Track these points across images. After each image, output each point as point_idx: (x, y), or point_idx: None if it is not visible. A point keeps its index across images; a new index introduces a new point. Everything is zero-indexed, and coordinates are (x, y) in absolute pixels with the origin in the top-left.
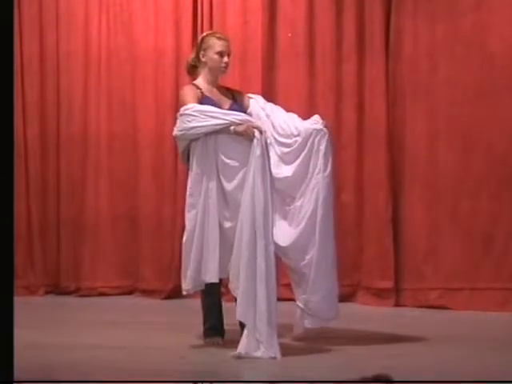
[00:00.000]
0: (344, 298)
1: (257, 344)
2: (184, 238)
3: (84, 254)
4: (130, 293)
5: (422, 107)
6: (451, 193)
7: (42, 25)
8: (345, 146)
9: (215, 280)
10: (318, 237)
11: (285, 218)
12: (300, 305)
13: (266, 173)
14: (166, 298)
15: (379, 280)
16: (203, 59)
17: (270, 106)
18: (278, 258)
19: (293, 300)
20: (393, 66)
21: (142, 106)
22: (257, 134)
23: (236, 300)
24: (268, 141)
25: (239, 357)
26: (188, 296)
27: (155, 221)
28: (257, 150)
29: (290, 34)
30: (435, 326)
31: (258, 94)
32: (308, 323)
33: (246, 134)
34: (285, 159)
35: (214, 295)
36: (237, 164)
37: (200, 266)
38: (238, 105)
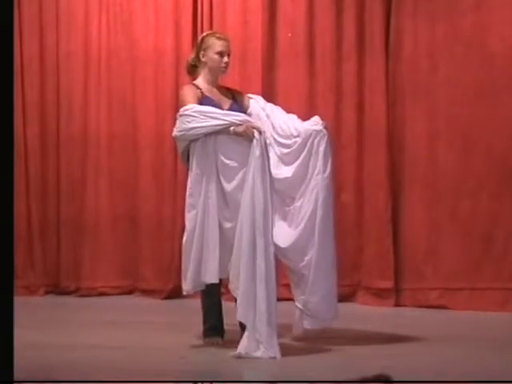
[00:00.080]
0: (344, 297)
1: (257, 344)
2: (184, 239)
3: (84, 253)
4: (130, 293)
5: (421, 107)
6: (451, 193)
7: (42, 25)
8: (345, 146)
9: (215, 280)
10: (317, 238)
11: (284, 218)
12: (299, 305)
13: (266, 173)
14: (165, 298)
15: (379, 280)
16: (203, 59)
17: (270, 106)
18: (277, 259)
19: (292, 300)
20: (393, 66)
21: (142, 105)
22: (256, 134)
23: (236, 300)
24: (268, 141)
25: (239, 357)
26: (188, 296)
27: (155, 221)
28: (256, 151)
29: (289, 34)
30: (435, 326)
31: (258, 94)
32: (307, 324)
33: (245, 135)
34: (284, 160)
35: (213, 295)
36: (236, 164)
37: (200, 266)
38: (238, 105)
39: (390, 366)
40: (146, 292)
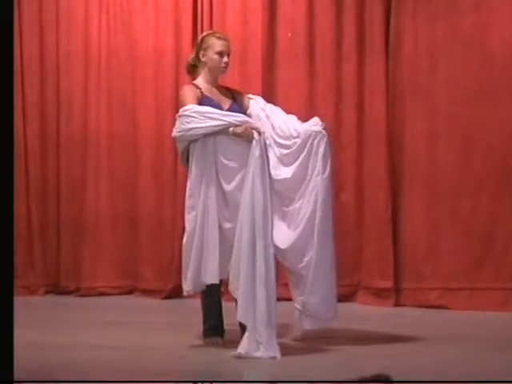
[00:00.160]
0: (344, 297)
1: (257, 345)
2: (184, 240)
3: (84, 253)
4: (130, 293)
5: (421, 107)
6: (451, 193)
7: (42, 25)
8: (345, 146)
9: (215, 281)
10: (316, 239)
11: (283, 219)
12: (298, 306)
13: (265, 174)
14: (165, 298)
15: (379, 280)
16: (203, 59)
17: (269, 107)
18: (276, 259)
19: (292, 300)
20: (393, 66)
21: (141, 105)
22: (255, 135)
23: (236, 301)
24: (267, 142)
25: (239, 357)
26: (188, 296)
27: (155, 221)
28: (256, 151)
29: (289, 34)
30: (435, 326)
31: (258, 94)
32: (307, 324)
33: (244, 136)
34: (284, 161)
35: (213, 295)
36: (236, 165)
37: (200, 267)
38: (238, 105)
39: (390, 366)
40: (146, 292)
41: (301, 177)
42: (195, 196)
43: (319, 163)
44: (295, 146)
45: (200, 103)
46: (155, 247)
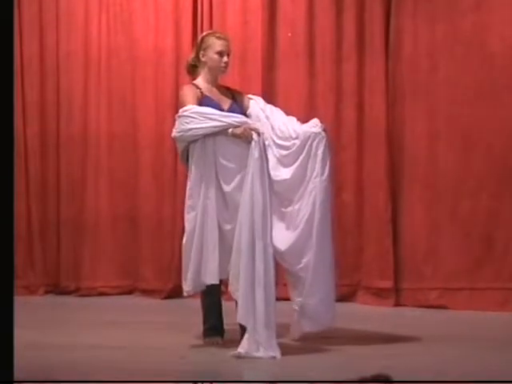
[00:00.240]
0: (344, 297)
1: (257, 345)
2: (184, 240)
3: (84, 253)
4: (130, 293)
5: (421, 107)
6: (451, 193)
7: (42, 25)
8: (345, 146)
9: (215, 281)
10: (315, 240)
11: (282, 220)
12: (296, 307)
13: (265, 175)
14: (165, 298)
15: (379, 280)
16: (203, 59)
17: (269, 107)
18: (276, 260)
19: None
20: (393, 66)
21: (141, 105)
22: (255, 136)
23: (236, 301)
24: (266, 142)
25: (239, 356)
26: (188, 296)
27: (155, 221)
28: (255, 152)
29: (289, 34)
30: (435, 326)
31: (258, 93)
32: (306, 327)
33: (243, 137)
34: (283, 162)
35: (213, 295)
36: (235, 166)
37: (200, 267)
38: (238, 105)
39: (390, 365)
40: (146, 292)
41: (300, 178)
42: (195, 196)
43: (318, 165)
44: (294, 147)
45: (200, 103)
46: (155, 247)
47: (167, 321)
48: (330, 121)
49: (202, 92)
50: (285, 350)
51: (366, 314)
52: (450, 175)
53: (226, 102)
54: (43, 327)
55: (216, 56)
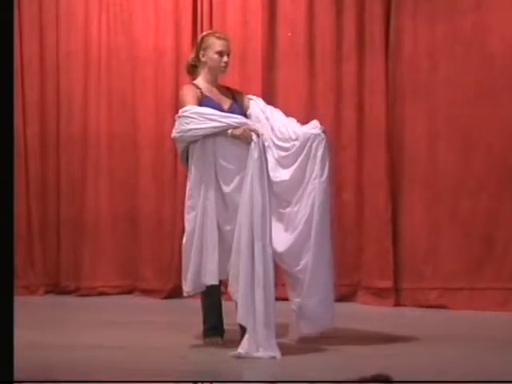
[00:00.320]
0: (344, 297)
1: (257, 346)
2: (183, 240)
3: (84, 253)
4: (130, 292)
5: (421, 107)
6: (451, 193)
7: (42, 25)
8: (345, 146)
9: (215, 282)
10: (313, 242)
11: (281, 221)
12: (294, 308)
13: (264, 175)
14: (165, 298)
15: (379, 280)
16: (203, 59)
17: (269, 108)
18: (275, 260)
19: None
20: (393, 66)
21: (141, 105)
22: (254, 137)
23: (236, 302)
24: (266, 143)
25: (239, 357)
26: (188, 296)
27: (155, 221)
28: (254, 153)
29: (289, 34)
30: (435, 326)
31: (258, 93)
32: (305, 329)
33: (243, 138)
34: (282, 163)
35: (213, 295)
36: (234, 167)
37: (200, 268)
38: (238, 105)
39: (390, 365)
40: (146, 292)
41: (299, 179)
42: (195, 197)
43: (317, 166)
44: (294, 149)
45: (200, 103)
46: (155, 247)
47: (167, 321)
48: (329, 121)
49: (202, 92)
50: (285, 350)
51: (365, 313)
52: (449, 175)
53: (226, 102)
54: (43, 327)
55: (216, 56)
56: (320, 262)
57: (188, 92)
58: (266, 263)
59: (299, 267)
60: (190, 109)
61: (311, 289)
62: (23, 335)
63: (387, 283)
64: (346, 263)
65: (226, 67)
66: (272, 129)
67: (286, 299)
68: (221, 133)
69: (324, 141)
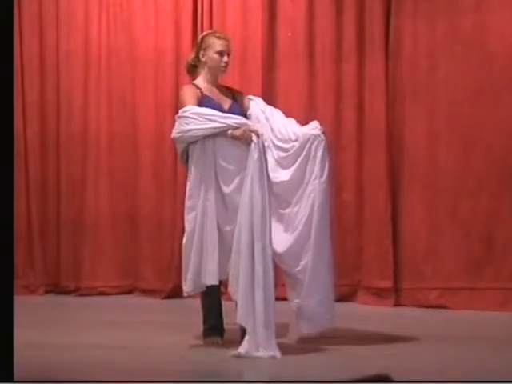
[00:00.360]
0: (344, 297)
1: (257, 346)
2: (183, 240)
3: (84, 253)
4: (130, 292)
5: (421, 107)
6: (451, 193)
7: (42, 25)
8: (345, 146)
9: (215, 282)
10: (313, 243)
11: (280, 221)
12: (294, 308)
13: (264, 176)
14: (165, 298)
15: (379, 280)
16: (203, 59)
17: (269, 109)
18: (274, 261)
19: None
20: (393, 66)
21: (141, 105)
22: (254, 137)
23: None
24: (266, 144)
25: (239, 356)
26: (188, 296)
27: (155, 220)
28: (254, 154)
29: (289, 34)
30: (435, 326)
31: (258, 93)
32: (305, 329)
33: (243, 138)
34: (282, 163)
35: (213, 296)
36: (234, 167)
37: (200, 268)
38: (238, 105)
39: (390, 365)
40: (146, 292)
41: (298, 180)
42: (195, 197)
43: (317, 167)
44: (293, 149)
45: (200, 103)
46: (155, 247)
47: (167, 321)
48: (329, 121)
49: (202, 92)
50: (285, 350)
51: (365, 313)
52: (449, 175)
53: (227, 102)
54: (43, 327)
55: (216, 56)
56: (320, 262)
57: (188, 92)
58: (266, 264)
59: (299, 268)
60: (190, 109)
61: (311, 289)
62: (23, 335)
63: (387, 283)
64: (346, 263)
65: (226, 67)
66: (272, 129)
67: (286, 299)
68: (221, 133)
69: (324, 142)
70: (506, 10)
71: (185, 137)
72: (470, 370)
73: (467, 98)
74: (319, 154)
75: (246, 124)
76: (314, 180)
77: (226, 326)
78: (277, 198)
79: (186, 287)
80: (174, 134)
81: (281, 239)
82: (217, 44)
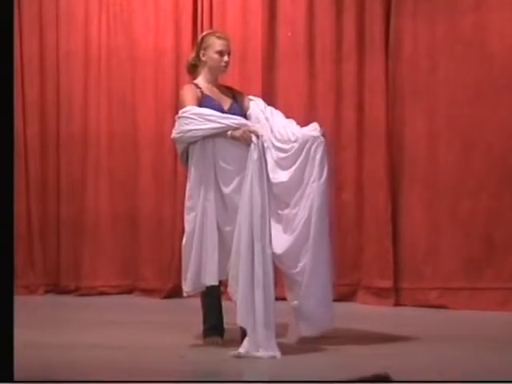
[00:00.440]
0: (344, 297)
1: (257, 347)
2: (183, 241)
3: (84, 253)
4: (130, 292)
5: (421, 107)
6: (451, 193)
7: (42, 24)
8: (345, 146)
9: (215, 282)
10: (311, 244)
11: (279, 222)
12: (293, 304)
13: (263, 177)
14: (165, 298)
15: (379, 279)
16: (203, 58)
17: (269, 109)
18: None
19: None
20: (393, 66)
21: (141, 105)
22: (254, 138)
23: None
24: (265, 144)
25: (239, 356)
26: (188, 295)
27: (155, 220)
28: (254, 155)
29: (289, 34)
30: (435, 326)
31: (258, 93)
32: (304, 331)
33: (242, 139)
34: (281, 164)
35: (213, 295)
36: (234, 168)
37: (199, 268)
38: (239, 105)
39: (390, 365)
40: (146, 291)
41: (297, 181)
42: (194, 197)
43: (316, 169)
44: (293, 150)
45: (200, 103)
46: (155, 247)
47: (167, 320)
48: (329, 121)
49: (202, 92)
50: (285, 349)
51: (365, 313)
52: (449, 175)
53: (227, 102)
54: (43, 327)
55: (216, 55)
56: (318, 263)
57: (188, 92)
58: (266, 264)
59: (297, 270)
60: (190, 109)
61: (309, 290)
62: (23, 335)
63: (387, 283)
64: (346, 263)
65: (226, 67)
66: (271, 130)
67: (286, 299)
68: (220, 134)
69: (323, 144)
70: (506, 10)
71: (184, 137)
72: (470, 370)
73: (467, 97)
74: (318, 155)
75: (245, 125)
76: (312, 182)
77: (225, 326)
78: (275, 199)
79: (186, 287)
80: (174, 134)
81: (279, 240)
82: (217, 44)
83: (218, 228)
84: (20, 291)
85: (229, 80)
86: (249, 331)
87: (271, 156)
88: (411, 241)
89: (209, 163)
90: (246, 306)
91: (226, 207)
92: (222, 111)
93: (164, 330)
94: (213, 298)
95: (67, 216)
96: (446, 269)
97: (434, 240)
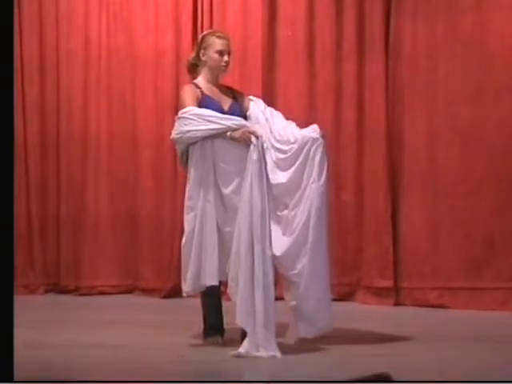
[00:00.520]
0: (344, 297)
1: (257, 347)
2: (183, 241)
3: (84, 252)
4: (130, 292)
5: (421, 107)
6: (451, 193)
7: (42, 24)
8: (345, 145)
9: (214, 283)
10: (309, 246)
11: (278, 224)
12: (291, 304)
13: (263, 177)
14: (165, 297)
15: (379, 279)
16: (203, 58)
17: (270, 110)
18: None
19: None
20: (393, 65)
21: (141, 105)
22: (253, 139)
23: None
24: (265, 145)
25: (239, 356)
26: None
27: (155, 220)
28: (253, 155)
29: (290, 33)
30: (435, 326)
31: (258, 93)
32: (303, 332)
33: (242, 140)
34: (280, 165)
35: (213, 295)
36: (234, 169)
37: (199, 268)
38: (239, 105)
39: (390, 365)
40: (146, 291)
41: (296, 182)
42: (194, 198)
43: (315, 170)
44: (292, 151)
45: (200, 102)
46: (155, 247)
47: (167, 320)
48: (329, 121)
49: (202, 91)
50: (285, 349)
51: (365, 313)
52: (449, 175)
53: (227, 102)
54: (43, 326)
55: (216, 55)
56: (317, 265)
57: (188, 92)
58: (266, 265)
59: (295, 271)
60: (189, 110)
61: (308, 292)
62: (23, 334)
63: (387, 283)
64: (346, 262)
65: (226, 66)
66: (271, 131)
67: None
68: (220, 135)
69: (322, 145)
70: (506, 10)
71: (184, 138)
72: (470, 370)
73: (467, 97)
74: (318, 157)
75: (245, 125)
76: (312, 183)
77: (225, 326)
78: (274, 200)
79: (186, 287)
80: (174, 134)
81: (278, 242)
82: (217, 43)
83: (218, 228)
84: (20, 291)
85: (229, 80)
86: (249, 332)
87: (270, 157)
88: (411, 240)
89: (208, 164)
90: (245, 307)
91: (225, 208)
92: (222, 111)
93: (164, 330)
94: (213, 298)
95: (67, 216)
96: (446, 268)
97: (434, 240)
